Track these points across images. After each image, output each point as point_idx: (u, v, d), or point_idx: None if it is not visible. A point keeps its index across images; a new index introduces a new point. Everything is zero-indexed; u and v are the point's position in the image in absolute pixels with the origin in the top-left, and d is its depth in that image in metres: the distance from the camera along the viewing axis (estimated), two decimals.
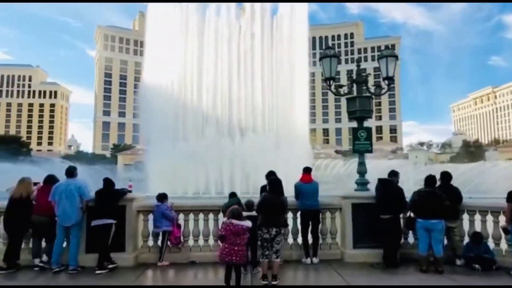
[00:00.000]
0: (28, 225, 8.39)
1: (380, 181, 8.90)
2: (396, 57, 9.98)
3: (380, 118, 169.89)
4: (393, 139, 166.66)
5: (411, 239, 9.47)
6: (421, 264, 8.08)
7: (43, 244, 8.58)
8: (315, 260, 8.81)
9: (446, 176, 8.88)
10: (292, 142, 45.12)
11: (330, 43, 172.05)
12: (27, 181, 8.74)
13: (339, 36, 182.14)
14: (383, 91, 10.29)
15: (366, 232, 8.94)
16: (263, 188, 8.90)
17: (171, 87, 48.00)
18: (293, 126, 47.60)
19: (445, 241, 8.62)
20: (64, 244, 8.37)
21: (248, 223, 6.67)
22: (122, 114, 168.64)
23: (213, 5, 50.07)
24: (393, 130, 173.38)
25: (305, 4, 52.67)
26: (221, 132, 44.94)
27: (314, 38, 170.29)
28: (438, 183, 8.65)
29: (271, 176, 8.70)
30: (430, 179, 8.31)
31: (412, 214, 8.50)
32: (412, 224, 8.48)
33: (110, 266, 8.16)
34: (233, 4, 50.90)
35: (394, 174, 9.21)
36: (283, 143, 45.16)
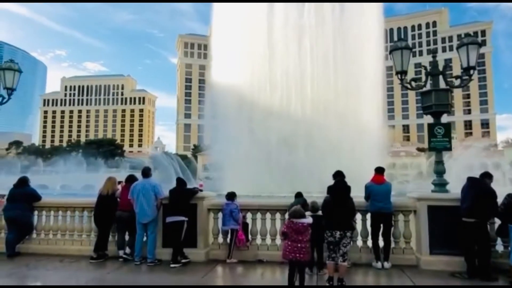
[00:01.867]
0: (113, 219, 9.32)
1: (470, 180, 7.94)
2: (478, 44, 8.97)
3: (469, 112, 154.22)
4: (486, 134, 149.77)
5: (499, 246, 8.46)
6: (511, 276, 7.15)
7: (127, 237, 9.48)
8: (386, 264, 8.33)
9: None
10: (365, 140, 43.10)
11: (409, 34, 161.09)
12: (113, 180, 9.75)
13: (419, 25, 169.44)
14: (465, 83, 9.35)
15: (445, 237, 8.19)
16: (330, 189, 8.66)
17: (242, 88, 48.77)
18: (366, 124, 45.32)
19: None
20: (144, 239, 9.12)
21: (309, 220, 6.62)
22: (202, 117, 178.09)
23: (280, 4, 49.47)
24: (485, 124, 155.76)
25: None
26: (294, 131, 44.59)
27: (391, 30, 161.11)
28: None
29: (338, 176, 8.45)
30: None
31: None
32: (505, 231, 7.53)
33: (184, 260, 8.69)
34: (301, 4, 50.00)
35: (488, 176, 8.02)
36: (356, 141, 43.37)
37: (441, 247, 8.26)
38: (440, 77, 9.33)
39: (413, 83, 9.51)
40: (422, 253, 8.44)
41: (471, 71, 9.03)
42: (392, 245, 8.69)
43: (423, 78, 9.79)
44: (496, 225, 8.08)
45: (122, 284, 7.37)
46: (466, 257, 7.66)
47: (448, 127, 9.05)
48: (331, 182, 7.87)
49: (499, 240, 8.26)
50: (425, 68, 9.54)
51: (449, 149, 8.89)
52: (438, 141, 8.98)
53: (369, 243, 8.84)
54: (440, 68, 9.49)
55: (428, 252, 8.36)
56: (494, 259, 7.90)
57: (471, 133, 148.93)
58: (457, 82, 9.08)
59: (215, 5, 52.83)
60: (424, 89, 9.46)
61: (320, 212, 7.72)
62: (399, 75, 9.51)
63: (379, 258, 8.45)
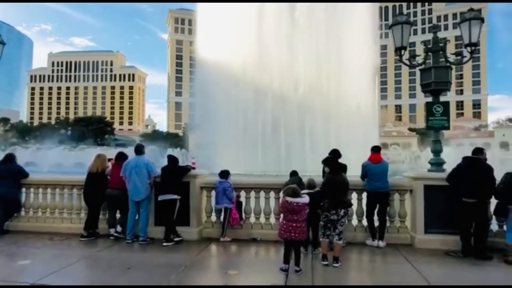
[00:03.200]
0: (103, 197, 9.09)
1: (467, 159, 7.79)
2: (481, 19, 8.70)
3: (461, 92, 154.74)
4: (477, 115, 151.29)
5: (494, 226, 8.47)
6: (507, 255, 7.16)
7: (118, 215, 9.29)
8: (381, 243, 8.31)
9: None
10: (357, 121, 43.07)
11: (405, 12, 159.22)
12: (102, 157, 9.46)
13: (415, 4, 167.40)
14: (465, 59, 9.13)
15: (440, 217, 8.16)
16: (324, 161, 8.46)
17: (231, 66, 47.92)
18: (358, 104, 45.16)
19: None
20: (136, 217, 8.93)
21: (305, 199, 6.45)
22: (193, 95, 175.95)
23: None
24: (476, 105, 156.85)
25: None
26: (284, 111, 44.31)
27: (386, 8, 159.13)
28: None
29: (334, 154, 8.31)
30: None
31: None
32: (503, 210, 7.49)
33: (176, 239, 8.55)
34: None
35: (480, 151, 7.88)
36: (347, 121, 43.29)
37: (436, 226, 8.24)
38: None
39: (412, 60, 9.24)
40: (417, 232, 8.42)
41: (473, 48, 8.80)
42: (387, 224, 8.67)
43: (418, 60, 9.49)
44: (493, 204, 8.09)
45: (115, 262, 7.22)
46: (462, 237, 7.64)
47: (446, 105, 8.89)
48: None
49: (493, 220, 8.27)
50: (426, 44, 9.25)
51: (447, 128, 8.77)
52: (436, 120, 8.83)
53: (364, 222, 8.81)
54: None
55: (423, 231, 8.34)
56: (489, 238, 7.90)
57: (462, 114, 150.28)
58: (459, 59, 8.82)
59: None
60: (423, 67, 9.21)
61: (318, 188, 7.58)
62: (398, 51, 9.22)
63: (375, 237, 8.42)
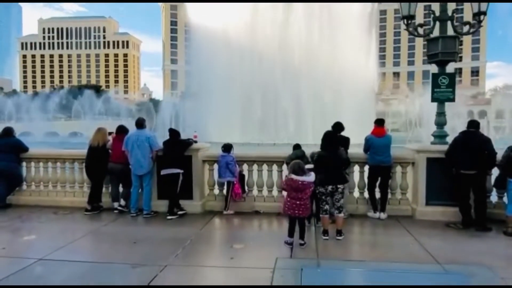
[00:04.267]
0: (106, 171, 9.05)
1: (466, 133, 7.76)
2: None
3: (460, 59, 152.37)
4: (475, 82, 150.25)
5: (493, 197, 8.59)
6: (507, 226, 7.29)
7: (121, 189, 9.30)
8: (382, 215, 8.42)
9: None
10: (354, 88, 42.72)
11: None
12: (103, 131, 9.32)
13: None
14: (473, 29, 8.87)
15: (442, 189, 8.23)
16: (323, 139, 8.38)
17: (226, 33, 46.78)
18: (356, 71, 44.63)
19: None
20: (139, 191, 8.95)
21: (310, 178, 6.42)
22: (189, 62, 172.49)
23: None
24: (475, 72, 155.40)
25: None
26: (282, 79, 43.79)
27: None
28: None
29: (335, 128, 8.19)
30: None
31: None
32: (503, 183, 7.56)
33: (180, 212, 8.62)
34: None
35: (475, 125, 7.79)
36: (344, 89, 42.92)
37: (437, 198, 8.34)
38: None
39: (420, 30, 8.97)
40: (418, 204, 8.53)
41: (482, 17, 8.53)
42: (389, 196, 8.74)
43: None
44: (493, 177, 8.15)
45: (120, 236, 7.30)
46: (461, 209, 7.74)
47: (452, 77, 8.73)
48: (321, 130, 7.60)
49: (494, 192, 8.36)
50: (433, 12, 8.94)
51: (452, 100, 8.64)
52: (442, 92, 8.69)
53: (366, 194, 8.88)
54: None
55: (424, 203, 8.45)
56: (489, 209, 8.01)
57: (460, 81, 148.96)
58: (466, 29, 8.57)
59: None
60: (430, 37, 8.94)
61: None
62: (405, 20, 8.93)
63: (376, 209, 8.52)
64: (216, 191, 9.42)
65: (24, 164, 10.09)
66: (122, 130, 9.19)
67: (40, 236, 7.29)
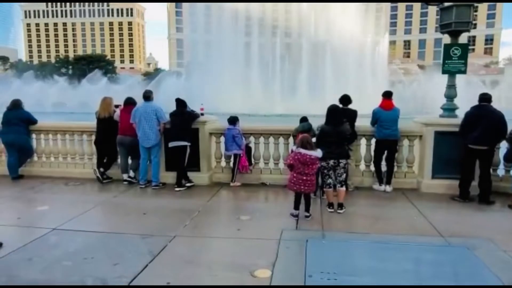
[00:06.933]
0: (115, 142, 9.16)
1: (479, 108, 7.57)
2: None
3: (474, 26, 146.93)
4: (488, 51, 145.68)
5: (500, 171, 8.59)
6: None
7: (130, 161, 9.44)
8: (388, 188, 8.49)
9: None
10: (365, 57, 41.84)
11: None
12: (107, 101, 9.35)
13: None
14: None
15: (449, 162, 8.23)
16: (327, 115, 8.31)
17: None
18: (366, 40, 43.47)
19: None
20: (148, 162, 9.08)
21: (318, 153, 6.44)
22: (194, 31, 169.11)
23: None
24: (489, 40, 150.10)
25: None
26: (293, 49, 43.01)
27: None
28: None
29: (341, 101, 8.11)
30: None
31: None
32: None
33: (188, 184, 8.78)
34: None
35: (487, 99, 7.58)
36: (356, 59, 42.04)
37: (443, 172, 8.35)
38: None
39: None
40: (424, 177, 8.56)
41: None
42: (395, 169, 8.77)
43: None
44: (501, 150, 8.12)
45: (130, 207, 7.49)
46: (462, 183, 7.75)
47: (465, 48, 8.48)
48: (330, 102, 7.52)
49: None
50: None
51: (464, 72, 8.43)
52: (453, 64, 8.48)
53: (372, 167, 8.92)
54: None
55: (430, 176, 8.48)
56: (495, 182, 8.02)
57: (473, 50, 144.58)
58: None
59: None
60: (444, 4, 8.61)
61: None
62: None
63: (381, 182, 8.58)
64: (223, 163, 9.53)
65: (33, 136, 10.25)
66: (130, 102, 9.20)
67: (53, 206, 7.50)
